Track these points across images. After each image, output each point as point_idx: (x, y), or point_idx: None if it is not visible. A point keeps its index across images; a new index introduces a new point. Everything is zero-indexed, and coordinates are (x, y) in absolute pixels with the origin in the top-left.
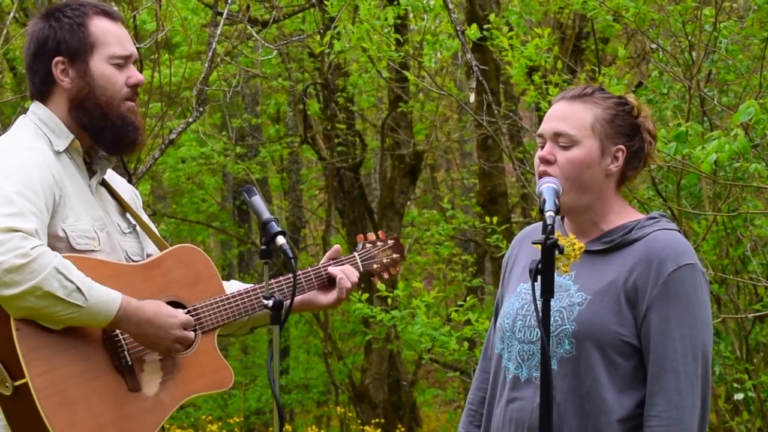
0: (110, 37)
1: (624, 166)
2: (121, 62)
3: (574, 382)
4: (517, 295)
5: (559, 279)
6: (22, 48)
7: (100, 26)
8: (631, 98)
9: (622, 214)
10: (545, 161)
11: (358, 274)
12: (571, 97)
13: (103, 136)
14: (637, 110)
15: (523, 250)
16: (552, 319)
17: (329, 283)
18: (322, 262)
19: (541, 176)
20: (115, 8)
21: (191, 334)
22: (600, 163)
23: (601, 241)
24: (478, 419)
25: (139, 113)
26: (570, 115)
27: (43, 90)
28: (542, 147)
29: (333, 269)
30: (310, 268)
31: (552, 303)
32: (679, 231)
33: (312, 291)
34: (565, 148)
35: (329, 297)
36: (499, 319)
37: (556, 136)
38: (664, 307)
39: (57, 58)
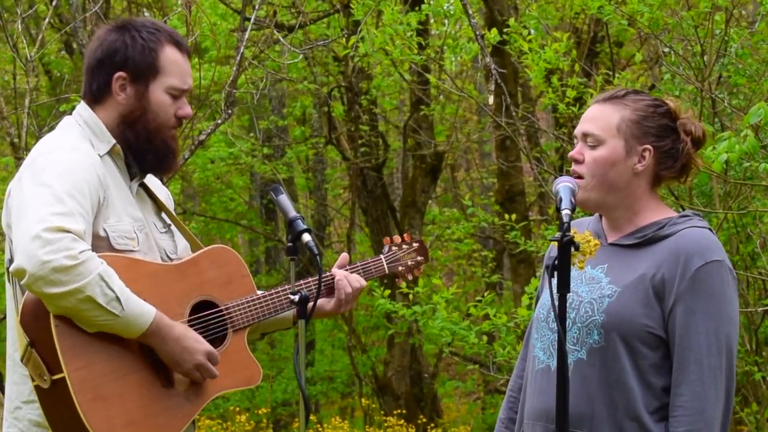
0: (175, 68)
1: (655, 166)
2: (177, 94)
3: (603, 372)
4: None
5: (591, 272)
6: (88, 47)
7: (169, 56)
8: (669, 101)
9: (656, 212)
10: (574, 160)
11: (364, 282)
12: (603, 100)
13: (144, 157)
14: (675, 112)
15: None
16: (583, 310)
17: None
18: (332, 270)
19: (572, 175)
20: (186, 41)
21: (214, 369)
22: (625, 162)
23: (634, 236)
24: (517, 405)
25: (176, 139)
26: (598, 117)
27: (97, 96)
28: (575, 148)
29: (335, 271)
30: (316, 278)
31: (584, 294)
32: (710, 229)
33: (322, 298)
34: (592, 147)
35: (332, 302)
36: (536, 309)
37: (585, 136)
38: (690, 301)
39: (119, 73)
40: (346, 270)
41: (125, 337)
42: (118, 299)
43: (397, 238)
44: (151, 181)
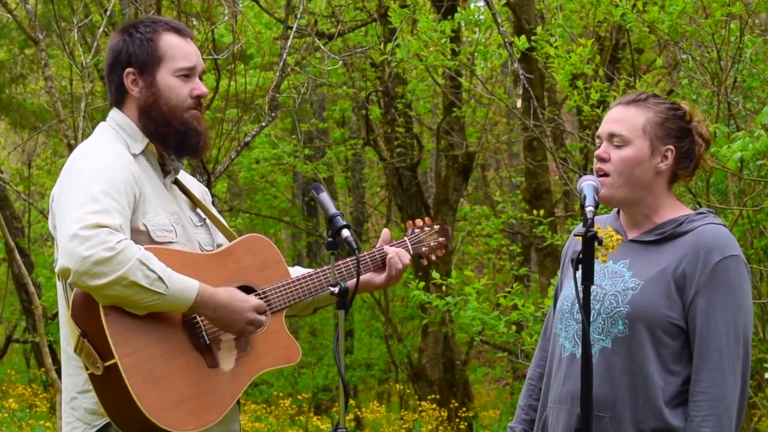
0: (177, 51)
1: (674, 166)
2: (186, 74)
3: (627, 360)
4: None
5: (614, 266)
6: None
7: (169, 42)
8: (684, 104)
9: (673, 209)
10: (600, 159)
11: (409, 256)
12: (626, 102)
13: (167, 141)
14: (689, 115)
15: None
16: (607, 302)
17: (383, 264)
18: (377, 246)
19: (597, 173)
20: (185, 25)
21: (263, 317)
22: (650, 161)
23: (654, 233)
24: (537, 393)
25: (204, 120)
26: (624, 118)
27: (117, 98)
28: (600, 147)
29: (387, 249)
30: (365, 252)
31: (607, 288)
32: (724, 225)
33: (369, 273)
34: (619, 147)
35: (382, 277)
36: (559, 302)
37: (611, 136)
38: (710, 293)
39: (128, 70)
40: (370, 251)
41: (175, 313)
42: (160, 278)
43: (419, 221)
44: (186, 179)
